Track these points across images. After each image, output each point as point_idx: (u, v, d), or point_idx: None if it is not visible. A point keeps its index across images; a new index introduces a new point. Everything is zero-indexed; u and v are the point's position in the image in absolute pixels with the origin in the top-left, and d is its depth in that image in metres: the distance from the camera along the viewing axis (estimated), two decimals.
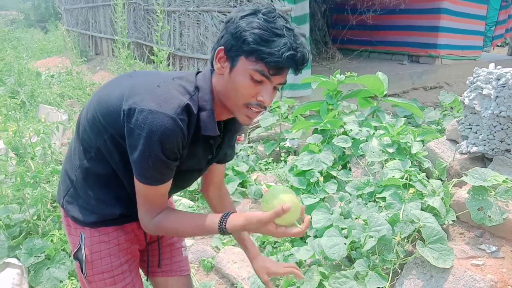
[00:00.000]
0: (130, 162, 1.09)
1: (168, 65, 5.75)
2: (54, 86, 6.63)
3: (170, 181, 1.14)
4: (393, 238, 1.94)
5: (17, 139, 2.96)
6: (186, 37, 6.20)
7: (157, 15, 3.70)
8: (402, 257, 1.91)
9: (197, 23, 5.91)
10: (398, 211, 2.09)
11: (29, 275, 2.29)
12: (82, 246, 1.25)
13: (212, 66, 1.12)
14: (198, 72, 1.19)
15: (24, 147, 3.01)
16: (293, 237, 2.57)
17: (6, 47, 9.36)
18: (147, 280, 1.50)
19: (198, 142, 1.15)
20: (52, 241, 2.38)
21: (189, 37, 6.14)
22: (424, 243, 1.87)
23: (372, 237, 1.94)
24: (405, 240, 1.98)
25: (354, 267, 1.95)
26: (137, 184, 1.11)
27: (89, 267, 1.26)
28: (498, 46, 11.19)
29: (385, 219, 2.00)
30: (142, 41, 7.19)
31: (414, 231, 1.95)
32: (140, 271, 1.46)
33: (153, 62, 3.79)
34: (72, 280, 2.27)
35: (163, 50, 3.58)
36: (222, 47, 1.07)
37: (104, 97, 1.14)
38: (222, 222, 1.08)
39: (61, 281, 2.27)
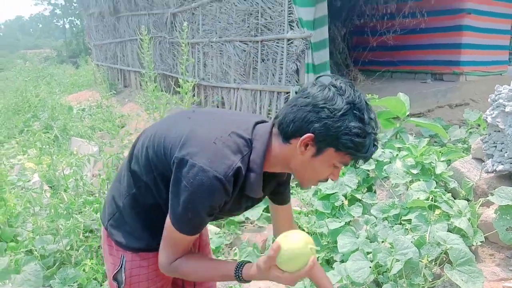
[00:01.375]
0: None
1: (194, 95, 5.91)
2: (85, 119, 6.91)
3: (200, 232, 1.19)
4: (420, 261, 1.91)
5: (51, 172, 3.10)
6: (210, 67, 6.38)
7: (181, 48, 3.85)
8: (430, 280, 1.88)
9: (220, 53, 6.08)
10: (424, 233, 2.06)
11: None
12: (123, 269, 1.30)
13: (278, 128, 1.13)
14: (257, 122, 1.20)
15: (58, 179, 3.15)
16: (320, 262, 2.56)
17: (40, 83, 9.83)
18: None
19: (240, 196, 1.19)
20: (84, 270, 2.45)
21: (212, 67, 6.32)
22: (452, 265, 1.83)
23: (399, 261, 1.91)
24: (433, 263, 1.95)
25: None
26: (168, 224, 1.15)
27: None
28: None
29: (411, 242, 1.98)
30: (168, 73, 7.43)
31: (441, 253, 1.92)
32: None
33: (179, 93, 3.92)
34: None
35: (188, 82, 3.71)
36: (312, 135, 1.07)
37: (160, 137, 1.19)
38: (238, 271, 1.13)
39: None
